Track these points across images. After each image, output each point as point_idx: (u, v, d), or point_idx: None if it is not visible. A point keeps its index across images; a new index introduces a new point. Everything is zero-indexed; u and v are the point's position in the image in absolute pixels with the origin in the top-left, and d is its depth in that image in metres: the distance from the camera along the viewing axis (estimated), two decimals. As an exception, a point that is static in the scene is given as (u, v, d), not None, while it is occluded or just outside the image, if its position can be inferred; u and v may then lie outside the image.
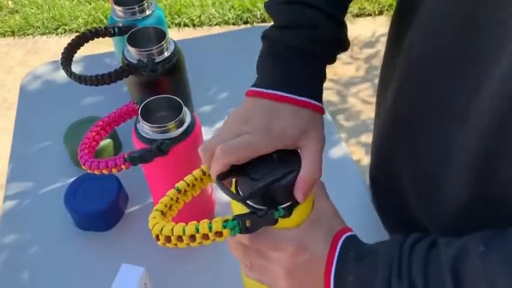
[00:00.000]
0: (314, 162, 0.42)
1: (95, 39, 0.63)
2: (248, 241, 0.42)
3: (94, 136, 0.58)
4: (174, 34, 2.28)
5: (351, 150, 1.66)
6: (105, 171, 0.53)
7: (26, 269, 0.64)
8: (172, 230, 0.39)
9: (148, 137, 0.54)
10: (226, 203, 0.68)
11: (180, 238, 0.39)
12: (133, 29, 0.60)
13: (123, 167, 0.53)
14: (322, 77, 0.47)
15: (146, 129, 0.54)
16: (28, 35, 2.31)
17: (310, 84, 0.45)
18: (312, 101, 0.44)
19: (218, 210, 0.69)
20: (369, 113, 1.82)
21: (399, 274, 0.37)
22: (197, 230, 0.38)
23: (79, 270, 0.64)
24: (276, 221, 0.41)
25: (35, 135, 0.82)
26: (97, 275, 0.62)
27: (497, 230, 0.37)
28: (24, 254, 0.66)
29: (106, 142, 0.73)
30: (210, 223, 0.38)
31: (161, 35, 0.60)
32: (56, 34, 2.30)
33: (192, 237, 0.39)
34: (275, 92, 0.43)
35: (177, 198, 0.44)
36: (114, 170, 0.53)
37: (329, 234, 0.42)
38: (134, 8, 0.66)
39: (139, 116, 0.54)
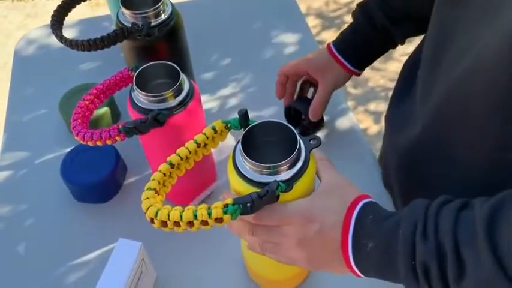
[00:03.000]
0: (318, 97, 0.65)
1: (87, 0, 0.59)
2: (254, 220, 0.41)
3: (87, 105, 0.54)
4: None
5: (358, 118, 1.62)
6: (99, 143, 0.51)
7: (22, 241, 0.63)
8: (168, 214, 0.36)
9: (144, 106, 0.50)
10: (226, 175, 0.66)
11: (177, 223, 0.36)
12: (127, -10, 0.56)
13: (117, 138, 0.50)
14: (380, 54, 0.67)
15: (141, 98, 0.50)
16: (27, -3, 2.25)
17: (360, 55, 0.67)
18: (349, 66, 0.66)
19: (219, 183, 0.66)
20: (377, 80, 1.77)
21: (424, 235, 0.34)
22: (195, 217, 0.36)
23: (76, 243, 0.62)
24: (278, 198, 0.39)
25: (30, 102, 0.79)
26: (94, 248, 0.61)
27: None
28: (20, 225, 0.64)
29: (102, 110, 0.70)
30: (209, 209, 0.36)
31: (157, -4, 0.56)
32: (56, -3, 2.24)
33: (190, 223, 0.36)
34: (333, 50, 0.67)
35: (170, 173, 0.41)
36: (108, 142, 0.50)
37: (342, 203, 0.40)
38: (129, -33, 0.61)
39: (134, 84, 0.50)
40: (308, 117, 0.67)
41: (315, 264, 0.42)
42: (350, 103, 1.67)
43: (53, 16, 0.56)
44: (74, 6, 0.58)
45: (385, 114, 0.66)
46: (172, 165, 0.41)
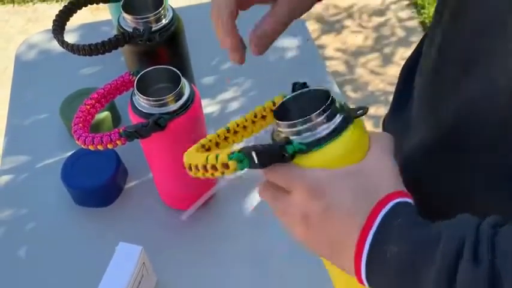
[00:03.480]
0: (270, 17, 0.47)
1: (88, 5, 0.59)
2: (264, 175, 0.38)
3: (89, 109, 0.55)
4: None
5: (357, 122, 1.63)
6: (100, 147, 0.51)
7: (23, 244, 0.63)
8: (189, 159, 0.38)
9: (144, 111, 0.51)
10: (227, 179, 0.66)
11: (196, 168, 0.37)
12: (128, -5, 0.56)
13: (118, 142, 0.50)
14: None
15: (142, 102, 0.51)
16: (28, 2, 2.26)
17: None
18: None
19: (219, 187, 0.66)
20: (377, 84, 1.77)
21: (475, 254, 0.30)
22: (206, 160, 0.36)
23: (76, 247, 0.62)
24: (292, 157, 0.36)
25: (32, 106, 0.79)
26: (95, 252, 0.61)
27: None
28: (21, 229, 0.64)
29: (103, 115, 0.70)
30: (218, 154, 0.35)
31: (159, 2, 0.56)
32: (57, 1, 2.25)
33: (204, 168, 0.36)
34: None
35: (226, 137, 0.41)
36: (109, 146, 0.51)
37: (368, 192, 0.34)
38: (130, -28, 0.62)
39: (135, 88, 0.51)
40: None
41: (316, 248, 0.38)
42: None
43: (54, 21, 0.56)
44: (76, 12, 0.58)
45: (383, 118, 0.65)
46: (228, 130, 0.41)
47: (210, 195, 0.64)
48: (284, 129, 0.37)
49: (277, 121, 0.37)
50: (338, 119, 0.36)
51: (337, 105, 0.36)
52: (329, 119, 0.36)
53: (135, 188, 0.68)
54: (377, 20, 2.03)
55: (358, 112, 0.36)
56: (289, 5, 0.47)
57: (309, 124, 0.36)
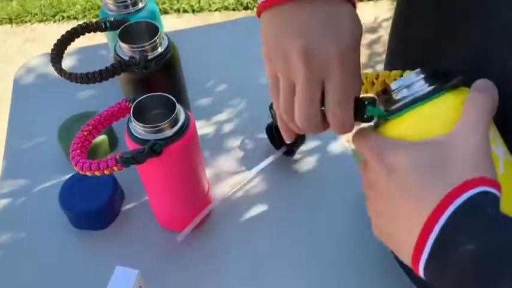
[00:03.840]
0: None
1: (86, 34, 0.61)
2: (354, 144, 0.36)
3: (86, 136, 0.56)
4: (173, 20, 2.24)
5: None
6: (97, 173, 0.52)
7: (21, 268, 0.63)
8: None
9: (140, 137, 0.52)
10: (222, 201, 0.67)
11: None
12: (125, 24, 0.58)
13: (115, 168, 0.52)
14: None
15: (138, 129, 0.52)
16: (26, 22, 2.29)
17: None
18: None
19: (214, 209, 0.68)
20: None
21: None
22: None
23: (74, 270, 0.63)
24: (372, 120, 0.35)
25: (30, 130, 0.80)
26: (92, 275, 0.61)
27: None
28: (19, 252, 0.65)
29: (101, 138, 0.72)
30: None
31: (154, 31, 0.58)
32: (54, 21, 2.28)
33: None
34: None
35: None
36: (106, 172, 0.52)
37: (444, 174, 0.29)
38: (126, 2, 0.64)
39: (131, 115, 0.52)
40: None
41: (378, 221, 0.34)
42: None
43: (52, 50, 0.58)
44: (73, 40, 0.60)
45: None
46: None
47: (204, 215, 0.65)
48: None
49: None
50: (429, 90, 0.33)
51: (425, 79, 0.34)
52: (407, 86, 0.34)
53: (132, 210, 0.69)
54: (369, 37, 2.06)
55: (454, 81, 0.33)
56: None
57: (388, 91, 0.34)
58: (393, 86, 0.35)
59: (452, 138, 0.31)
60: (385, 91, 0.36)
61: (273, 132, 0.72)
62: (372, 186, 0.34)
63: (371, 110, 0.35)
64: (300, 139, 0.71)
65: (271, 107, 0.69)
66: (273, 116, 0.69)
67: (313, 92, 0.35)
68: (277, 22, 0.36)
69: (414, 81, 0.34)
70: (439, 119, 0.32)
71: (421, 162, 0.30)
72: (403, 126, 0.34)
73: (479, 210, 0.28)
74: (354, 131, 0.37)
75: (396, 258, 0.43)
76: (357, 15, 0.37)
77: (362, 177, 0.36)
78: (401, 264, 0.55)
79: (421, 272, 0.30)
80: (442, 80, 0.34)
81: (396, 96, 0.35)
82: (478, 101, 0.31)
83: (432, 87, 0.33)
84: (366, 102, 0.36)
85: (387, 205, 0.32)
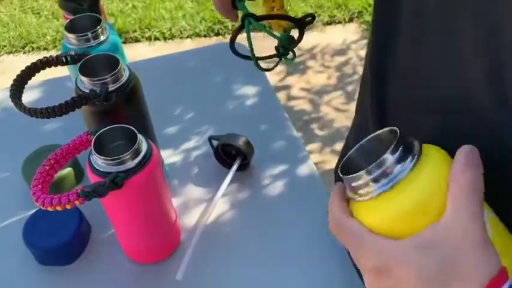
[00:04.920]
0: None
1: (47, 68, 0.61)
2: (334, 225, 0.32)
3: (48, 170, 0.56)
4: (144, 48, 2.25)
5: (326, 159, 1.66)
6: (58, 208, 0.51)
7: (-17, 310, 0.61)
8: None
9: (102, 169, 0.52)
10: (191, 230, 0.67)
11: None
12: (85, 58, 0.58)
13: (76, 202, 0.51)
14: None
15: (99, 161, 0.52)
16: (-6, 54, 2.26)
17: None
18: None
19: (184, 238, 0.67)
20: (341, 121, 1.83)
21: None
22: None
23: (39, 308, 0.61)
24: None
25: (-7, 166, 0.79)
26: (58, 313, 0.60)
27: None
28: (-19, 294, 0.63)
29: (66, 171, 0.71)
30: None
31: (115, 62, 0.58)
32: (24, 52, 2.26)
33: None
34: None
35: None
36: (67, 206, 0.51)
37: (458, 276, 0.25)
38: (87, 35, 0.64)
39: (92, 148, 0.52)
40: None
41: None
42: (317, 145, 1.71)
43: (12, 85, 0.58)
44: (34, 75, 0.60)
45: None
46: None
47: (193, 246, 0.64)
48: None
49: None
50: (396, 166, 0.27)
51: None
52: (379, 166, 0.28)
53: (100, 242, 0.68)
54: (339, 59, 2.11)
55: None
56: None
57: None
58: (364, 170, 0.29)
59: (446, 231, 0.26)
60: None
61: (220, 154, 0.75)
62: (366, 278, 0.31)
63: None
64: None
65: (210, 139, 0.76)
66: (212, 146, 0.76)
67: None
68: None
69: (387, 158, 0.28)
70: (428, 203, 0.27)
71: (429, 272, 0.26)
72: (384, 214, 0.29)
73: None
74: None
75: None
76: None
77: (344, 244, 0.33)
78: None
79: None
80: (411, 147, 0.29)
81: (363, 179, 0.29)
82: (466, 180, 0.27)
83: (407, 162, 0.28)
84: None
85: None
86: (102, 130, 0.53)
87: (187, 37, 2.30)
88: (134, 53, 2.12)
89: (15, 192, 0.74)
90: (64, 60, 0.61)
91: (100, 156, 0.51)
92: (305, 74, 2.01)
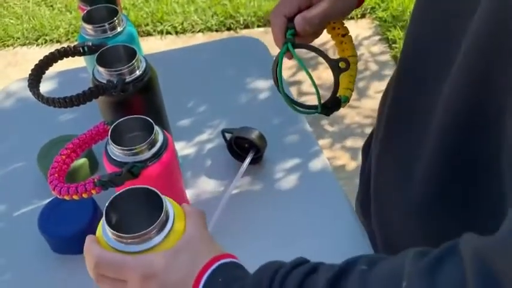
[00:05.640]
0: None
1: (64, 58, 0.61)
2: (94, 268, 0.43)
3: (64, 159, 0.56)
4: (156, 42, 2.26)
5: (336, 155, 1.66)
6: (75, 197, 0.52)
7: (-1, 296, 0.63)
8: None
9: (118, 159, 0.52)
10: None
11: None
12: (102, 49, 0.58)
13: (93, 191, 0.52)
14: None
15: (116, 151, 0.53)
16: (8, 46, 2.28)
17: None
18: None
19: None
20: (353, 117, 1.82)
21: None
22: None
23: (54, 296, 0.62)
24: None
25: (9, 155, 0.80)
26: (72, 300, 0.61)
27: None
28: (-2, 280, 0.64)
29: (81, 161, 0.72)
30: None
31: (132, 54, 0.59)
32: (37, 45, 2.27)
33: None
34: None
35: None
36: (84, 195, 0.52)
37: (192, 262, 0.41)
38: (104, 26, 0.65)
39: (109, 138, 0.53)
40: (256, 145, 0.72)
41: None
42: (327, 140, 1.71)
43: (30, 75, 0.58)
44: (52, 65, 0.61)
45: (375, 153, 0.64)
46: None
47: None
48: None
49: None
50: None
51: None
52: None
53: (113, 233, 0.68)
54: (351, 55, 2.10)
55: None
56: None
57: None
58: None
59: (188, 238, 0.43)
60: None
61: (232, 147, 0.75)
62: None
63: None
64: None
65: (223, 132, 0.76)
66: (225, 139, 0.76)
67: None
68: None
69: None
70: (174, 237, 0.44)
71: (178, 261, 0.42)
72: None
73: (221, 275, 0.40)
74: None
75: None
76: None
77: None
78: None
79: None
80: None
81: None
82: (194, 217, 0.45)
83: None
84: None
85: None
86: (119, 120, 0.54)
87: (199, 31, 2.30)
88: (146, 47, 2.11)
89: (31, 181, 0.75)
90: (81, 50, 0.61)
91: (117, 146, 0.52)
92: (316, 69, 2.00)
